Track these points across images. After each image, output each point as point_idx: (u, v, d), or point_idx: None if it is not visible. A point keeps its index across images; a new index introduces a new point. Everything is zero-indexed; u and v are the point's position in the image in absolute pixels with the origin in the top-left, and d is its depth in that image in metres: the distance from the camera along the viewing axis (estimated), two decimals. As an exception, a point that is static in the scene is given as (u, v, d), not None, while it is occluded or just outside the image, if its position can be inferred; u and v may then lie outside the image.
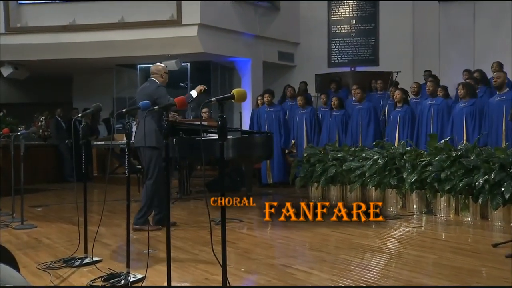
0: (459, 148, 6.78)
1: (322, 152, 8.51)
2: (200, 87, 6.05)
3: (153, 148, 5.85)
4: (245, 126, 11.79)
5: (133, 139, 10.45)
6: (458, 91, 8.35)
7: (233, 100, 2.87)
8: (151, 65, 6.20)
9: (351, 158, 7.92)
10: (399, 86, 9.81)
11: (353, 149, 8.26)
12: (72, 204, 8.06)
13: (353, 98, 10.52)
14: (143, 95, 5.93)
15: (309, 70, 13.34)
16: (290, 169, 9.52)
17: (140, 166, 9.10)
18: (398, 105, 9.11)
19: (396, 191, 7.18)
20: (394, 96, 9.17)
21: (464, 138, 7.94)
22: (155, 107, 3.74)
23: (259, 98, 10.57)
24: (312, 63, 13.73)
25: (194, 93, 6.01)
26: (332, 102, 9.92)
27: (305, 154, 8.72)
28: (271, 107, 10.31)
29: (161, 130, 6.02)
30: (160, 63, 6.29)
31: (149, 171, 5.92)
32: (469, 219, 6.24)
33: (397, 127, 9.04)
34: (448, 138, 7.32)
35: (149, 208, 5.92)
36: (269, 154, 8.83)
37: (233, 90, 2.88)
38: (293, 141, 10.27)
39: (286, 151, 10.31)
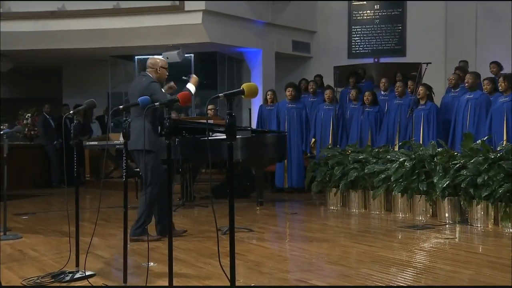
0: (498, 149, 6.74)
1: (342, 153, 8.49)
2: (195, 77, 6.03)
3: (147, 152, 5.83)
4: (255, 124, 11.79)
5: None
6: (499, 84, 8.31)
7: (242, 96, 2.88)
8: (150, 57, 6.18)
9: (374, 160, 7.91)
10: (422, 81, 9.74)
11: (376, 150, 8.23)
12: (62, 212, 8.12)
13: (382, 92, 10.49)
14: (134, 93, 5.90)
15: (327, 62, 13.33)
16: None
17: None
18: (421, 102, 9.09)
19: (426, 198, 7.15)
20: (417, 92, 9.12)
21: (505, 137, 7.88)
22: (155, 104, 3.75)
23: (269, 93, 10.58)
24: (331, 54, 13.72)
25: (192, 88, 5.98)
26: (365, 97, 9.88)
27: (328, 155, 8.66)
28: (294, 103, 10.31)
29: (156, 130, 6.03)
30: (160, 55, 6.27)
31: (147, 177, 5.91)
32: (510, 230, 6.21)
33: (421, 126, 9.01)
34: (486, 137, 7.27)
35: (147, 217, 5.94)
36: (282, 155, 8.83)
37: (243, 85, 2.88)
38: (313, 139, 10.22)
39: (308, 155, 10.27)
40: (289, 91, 10.25)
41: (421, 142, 8.80)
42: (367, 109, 9.90)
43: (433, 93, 9.61)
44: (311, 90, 11.08)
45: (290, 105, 10.28)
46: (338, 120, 10.08)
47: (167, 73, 6.17)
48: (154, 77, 5.99)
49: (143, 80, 5.97)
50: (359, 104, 10.17)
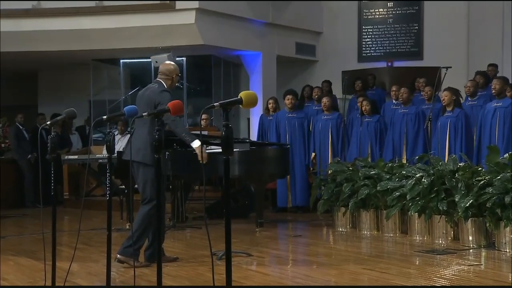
0: (528, 164, 6.73)
1: (351, 168, 8.50)
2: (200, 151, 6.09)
3: (148, 165, 5.89)
4: (255, 135, 11.81)
5: (120, 148, 10.56)
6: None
7: (240, 106, 2.90)
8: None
9: (387, 177, 7.90)
10: (441, 88, 9.73)
11: (389, 165, 8.23)
12: (36, 235, 8.09)
13: (393, 101, 10.47)
14: (144, 99, 6.10)
15: (335, 66, 13.33)
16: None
17: (124, 186, 9.18)
18: (448, 109, 8.99)
19: (446, 219, 7.15)
20: (442, 98, 9.08)
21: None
22: (144, 114, 3.78)
23: (271, 101, 10.59)
24: (338, 58, 13.74)
25: (195, 144, 6.13)
26: (362, 107, 9.88)
27: (329, 171, 8.70)
28: (294, 112, 10.32)
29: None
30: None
31: (145, 193, 5.96)
32: (541, 255, 6.21)
33: (447, 136, 8.94)
34: (514, 151, 7.27)
35: (140, 236, 5.93)
36: (285, 171, 8.84)
37: (241, 93, 2.90)
38: (313, 154, 10.24)
39: (311, 169, 10.28)
40: (288, 99, 10.27)
41: (446, 155, 8.72)
42: (366, 119, 9.88)
43: (461, 97, 9.51)
44: (316, 97, 11.12)
45: (290, 115, 10.29)
46: (338, 131, 10.09)
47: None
48: (167, 85, 6.16)
49: (155, 86, 6.15)
50: (358, 113, 10.18)
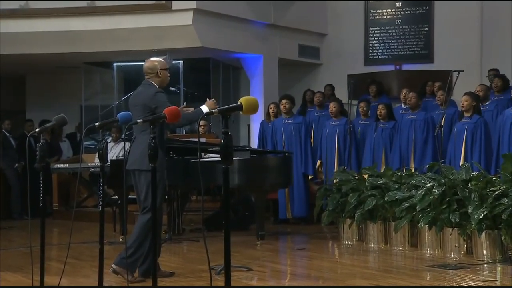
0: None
1: (357, 177, 8.49)
2: (213, 103, 6.15)
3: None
4: (255, 142, 11.81)
5: (113, 156, 10.55)
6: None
7: (240, 112, 2.90)
8: (144, 63, 6.23)
9: (396, 186, 7.90)
10: (452, 92, 9.70)
11: (398, 174, 8.22)
12: (23, 249, 8.08)
13: (402, 105, 10.47)
14: (137, 104, 6.07)
15: (340, 70, 13.35)
16: (314, 201, 9.48)
17: (117, 197, 9.18)
18: (466, 114, 8.90)
19: (459, 231, 7.13)
20: (461, 103, 9.01)
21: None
22: (138, 121, 3.78)
23: (272, 106, 10.60)
24: (344, 60, 13.75)
25: (205, 109, 6.09)
26: (378, 111, 9.86)
27: (335, 181, 8.69)
28: (291, 118, 10.34)
29: (163, 147, 6.10)
30: (143, 61, 6.30)
31: (147, 200, 5.95)
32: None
33: (463, 144, 8.88)
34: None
35: (138, 248, 5.92)
36: (287, 180, 8.84)
37: (241, 99, 2.91)
38: (319, 162, 10.24)
39: (310, 177, 10.28)
40: (282, 104, 10.29)
41: (462, 163, 8.68)
42: (380, 125, 9.86)
43: (482, 103, 9.46)
44: (317, 102, 11.10)
45: (286, 121, 10.29)
46: (346, 137, 10.08)
47: (169, 75, 6.30)
48: (157, 84, 6.11)
49: (147, 89, 6.11)
50: (371, 120, 10.16)
